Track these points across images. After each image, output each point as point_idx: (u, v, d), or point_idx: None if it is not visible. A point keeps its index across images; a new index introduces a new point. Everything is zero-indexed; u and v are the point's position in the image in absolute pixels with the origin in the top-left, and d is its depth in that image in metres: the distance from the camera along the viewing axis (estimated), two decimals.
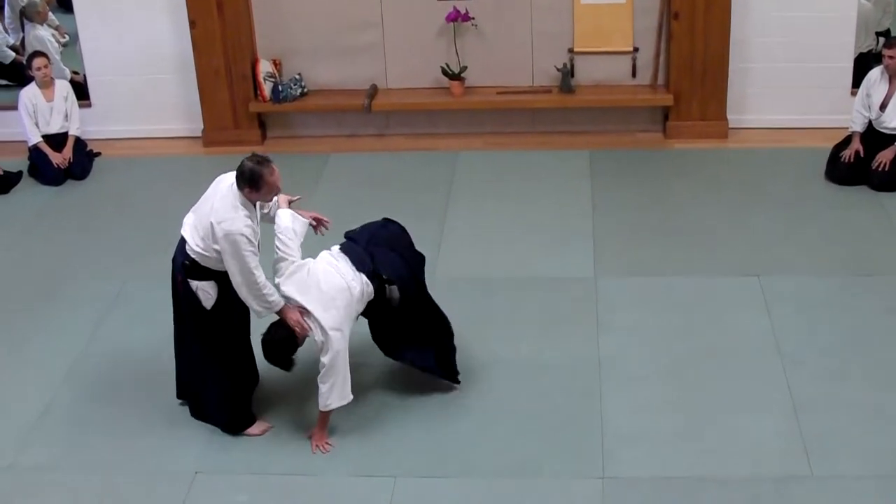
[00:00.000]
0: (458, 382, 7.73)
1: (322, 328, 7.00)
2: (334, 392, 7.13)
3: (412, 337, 7.62)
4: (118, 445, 7.42)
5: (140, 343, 8.38)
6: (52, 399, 7.89)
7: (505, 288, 8.87)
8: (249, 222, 6.87)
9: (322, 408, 7.18)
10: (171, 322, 7.48)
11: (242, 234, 6.78)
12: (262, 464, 7.18)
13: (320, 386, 7.12)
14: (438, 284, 8.70)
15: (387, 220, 7.72)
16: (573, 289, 8.79)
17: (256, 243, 6.92)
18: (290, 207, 7.31)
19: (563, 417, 7.39)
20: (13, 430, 7.62)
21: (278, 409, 7.63)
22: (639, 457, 7.01)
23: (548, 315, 8.49)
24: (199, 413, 7.55)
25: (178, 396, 7.68)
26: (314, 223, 7.51)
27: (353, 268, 7.23)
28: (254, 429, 7.43)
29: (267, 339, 7.09)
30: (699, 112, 11.21)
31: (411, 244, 7.67)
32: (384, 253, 7.42)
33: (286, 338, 7.04)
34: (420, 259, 7.67)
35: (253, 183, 6.81)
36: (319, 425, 7.27)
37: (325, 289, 7.08)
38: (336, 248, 7.42)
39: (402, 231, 7.69)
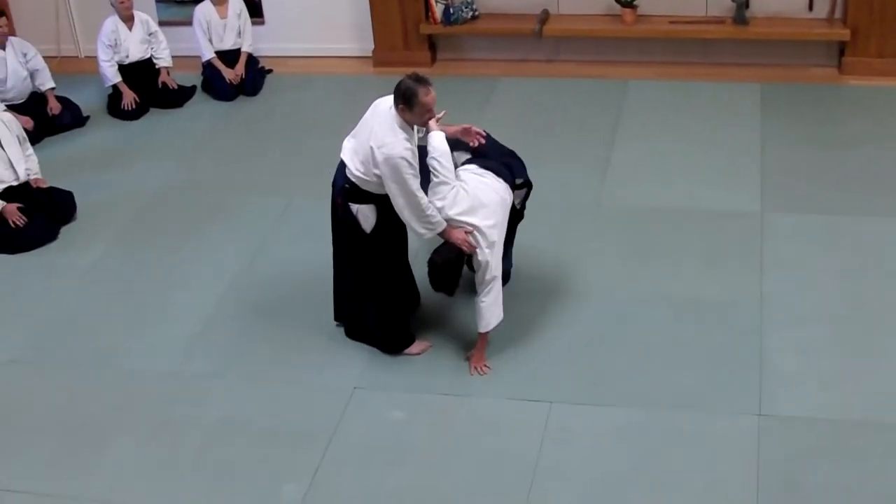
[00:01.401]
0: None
1: (490, 243, 7.03)
2: (494, 309, 7.16)
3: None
4: (279, 358, 7.58)
5: (305, 259, 8.51)
6: (216, 310, 8.09)
7: (670, 219, 8.78)
8: (409, 145, 6.87)
9: (483, 328, 7.20)
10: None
11: (403, 158, 6.78)
12: (420, 383, 7.26)
13: (481, 305, 7.15)
14: (602, 213, 8.72)
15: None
16: (739, 223, 8.68)
17: (417, 165, 6.93)
18: (437, 123, 7.25)
19: (721, 352, 7.33)
20: (180, 338, 7.83)
21: (438, 330, 7.70)
22: (797, 397, 6.93)
23: (711, 249, 8.40)
24: (356, 334, 7.64)
25: (336, 318, 7.77)
26: (465, 136, 7.44)
27: (499, 179, 7.26)
28: (413, 348, 7.51)
29: (435, 263, 7.08)
30: (877, 49, 10.92)
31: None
32: (511, 160, 7.52)
33: (453, 259, 7.04)
34: None
35: (406, 100, 6.79)
36: (479, 347, 7.32)
37: (487, 203, 7.08)
38: (471, 165, 7.39)
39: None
